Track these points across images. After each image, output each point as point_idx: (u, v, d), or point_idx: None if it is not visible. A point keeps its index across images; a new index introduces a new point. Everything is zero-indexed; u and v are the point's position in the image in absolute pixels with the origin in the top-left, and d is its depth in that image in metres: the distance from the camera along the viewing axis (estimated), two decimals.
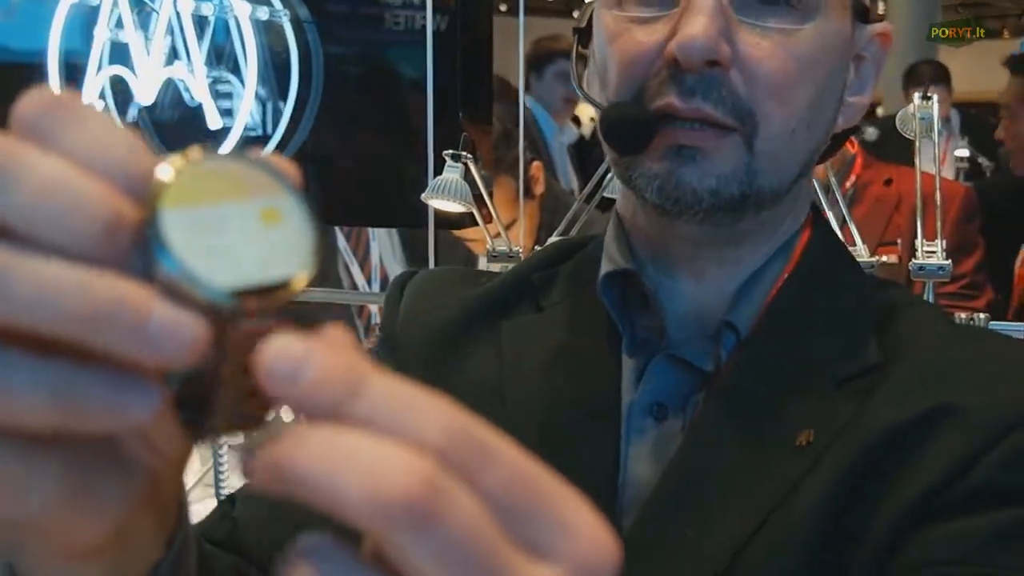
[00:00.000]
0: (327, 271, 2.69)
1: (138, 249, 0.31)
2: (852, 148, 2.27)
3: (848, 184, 2.08)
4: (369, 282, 2.63)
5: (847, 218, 1.63)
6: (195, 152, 0.32)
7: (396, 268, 2.69)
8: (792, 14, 0.70)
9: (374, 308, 2.61)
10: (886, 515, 0.68)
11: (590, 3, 0.78)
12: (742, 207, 0.72)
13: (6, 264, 0.30)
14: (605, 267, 0.78)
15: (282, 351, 0.30)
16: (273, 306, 0.32)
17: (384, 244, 2.67)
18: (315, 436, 0.30)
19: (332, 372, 0.30)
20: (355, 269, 2.64)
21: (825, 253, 0.80)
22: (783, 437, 0.71)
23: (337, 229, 2.62)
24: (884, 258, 1.68)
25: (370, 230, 2.58)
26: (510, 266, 1.95)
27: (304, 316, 0.33)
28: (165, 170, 0.32)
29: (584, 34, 0.79)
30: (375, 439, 0.30)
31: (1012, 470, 0.68)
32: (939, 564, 0.66)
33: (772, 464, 0.71)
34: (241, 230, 0.32)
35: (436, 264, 2.15)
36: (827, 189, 1.65)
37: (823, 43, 0.71)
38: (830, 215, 1.65)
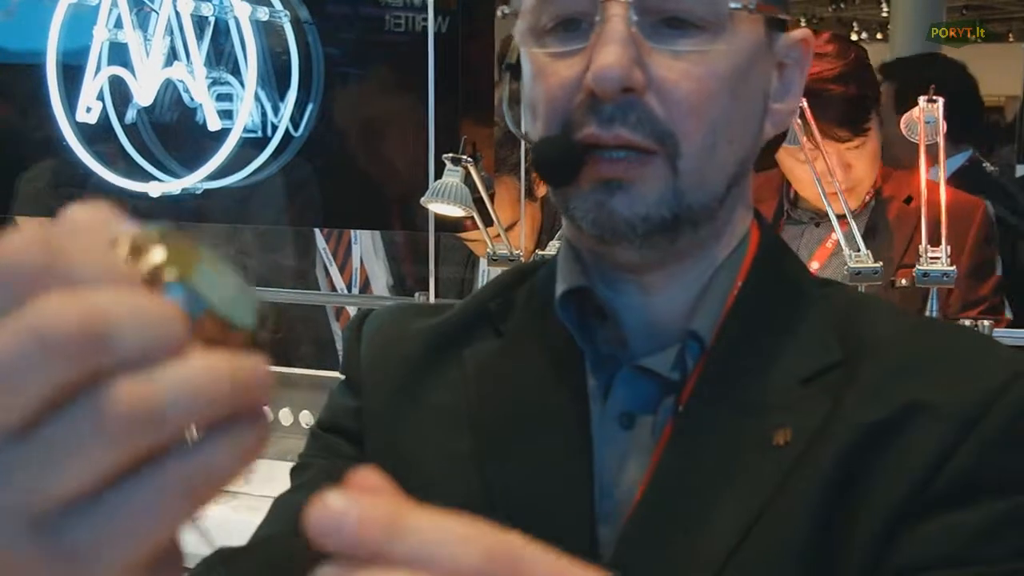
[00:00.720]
0: (305, 273, 2.68)
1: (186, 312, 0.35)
2: None
3: (867, 197, 2.02)
4: (349, 286, 2.62)
5: (859, 243, 1.63)
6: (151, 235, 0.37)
7: (378, 270, 2.68)
8: (701, 35, 0.73)
9: (353, 310, 2.61)
10: (873, 514, 0.69)
11: (516, 42, 0.80)
12: (675, 228, 0.75)
13: (158, 391, 0.33)
14: (560, 287, 0.80)
15: (325, 508, 0.33)
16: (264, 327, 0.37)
17: (366, 246, 2.66)
18: None
19: (372, 519, 0.33)
20: (334, 271, 2.63)
21: (774, 257, 0.83)
22: (760, 437, 0.73)
23: (317, 231, 2.61)
24: (903, 281, 1.67)
25: (352, 232, 2.57)
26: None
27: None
28: (160, 251, 0.36)
29: (515, 70, 0.81)
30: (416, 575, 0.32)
31: (990, 459, 0.70)
32: (941, 566, 0.68)
33: (753, 465, 0.73)
34: (209, 281, 0.36)
35: (436, 266, 2.14)
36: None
37: (736, 59, 0.74)
38: (852, 228, 1.65)
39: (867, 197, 2.01)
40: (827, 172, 1.85)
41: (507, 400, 0.81)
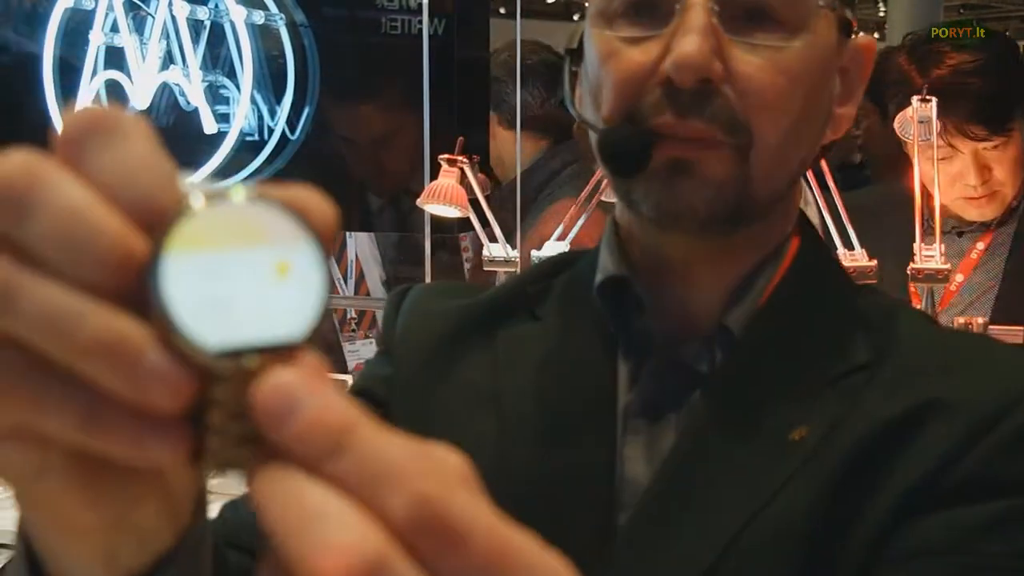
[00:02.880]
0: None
1: (144, 287, 0.31)
2: None
3: (1013, 203, 1.86)
4: (345, 277, 2.64)
5: (853, 241, 1.59)
6: (224, 190, 0.32)
7: (371, 264, 2.69)
8: (779, 31, 0.73)
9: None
10: (878, 507, 0.70)
11: (581, 24, 0.80)
12: (735, 218, 0.74)
13: (13, 282, 0.31)
14: (600, 275, 0.81)
15: (278, 389, 0.30)
16: (264, 367, 0.31)
17: (361, 240, 2.67)
18: (286, 485, 0.30)
19: (323, 423, 0.30)
20: (331, 262, 2.64)
21: (814, 260, 0.82)
22: (776, 433, 0.73)
23: None
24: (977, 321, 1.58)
25: None
26: (505, 271, 1.95)
27: None
28: (185, 208, 0.31)
29: (575, 54, 0.81)
30: (339, 505, 0.30)
31: (1001, 460, 0.70)
32: (931, 553, 0.68)
33: (764, 459, 0.73)
34: (247, 281, 0.31)
35: (431, 268, 2.14)
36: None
37: (811, 58, 0.74)
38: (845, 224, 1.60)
39: (1013, 203, 1.87)
40: (963, 174, 1.79)
41: (536, 383, 0.81)
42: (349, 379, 2.22)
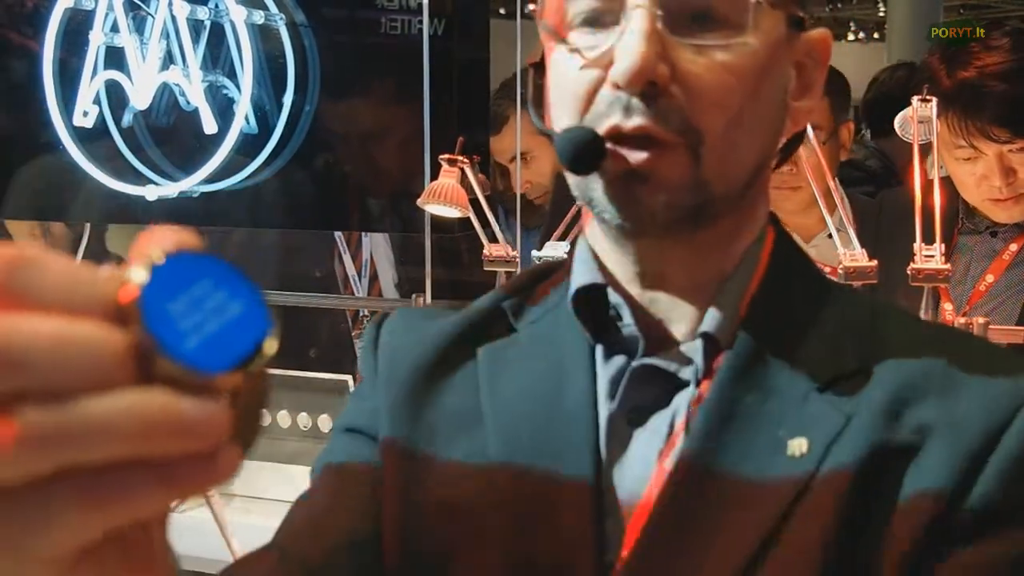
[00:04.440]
0: (322, 261, 2.69)
1: (141, 355, 0.36)
2: None
3: (1014, 247, 1.85)
4: (360, 275, 2.65)
5: (854, 242, 1.59)
6: (144, 258, 0.37)
7: (385, 264, 2.70)
8: (724, 30, 0.74)
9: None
10: (892, 539, 0.70)
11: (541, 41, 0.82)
12: (696, 217, 0.76)
13: (50, 425, 0.35)
14: (575, 284, 0.82)
15: None
16: (257, 368, 0.37)
17: (376, 240, 2.68)
18: None
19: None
20: (347, 259, 2.66)
21: (790, 262, 0.83)
22: (774, 446, 0.73)
23: None
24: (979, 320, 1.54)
25: None
26: (506, 271, 1.95)
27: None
28: (133, 279, 0.36)
29: (540, 68, 0.82)
30: None
31: (1006, 486, 0.70)
32: None
33: (767, 477, 0.73)
34: (207, 310, 0.36)
35: (432, 267, 2.14)
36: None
37: (757, 55, 0.75)
38: (848, 228, 1.60)
39: (1013, 247, 1.86)
40: (988, 176, 1.77)
41: (516, 394, 0.82)
42: (325, 376, 2.23)
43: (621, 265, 0.81)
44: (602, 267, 0.82)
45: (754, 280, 0.80)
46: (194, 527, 2.17)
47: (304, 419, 2.25)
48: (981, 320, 1.51)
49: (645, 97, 0.72)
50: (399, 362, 0.88)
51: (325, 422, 2.20)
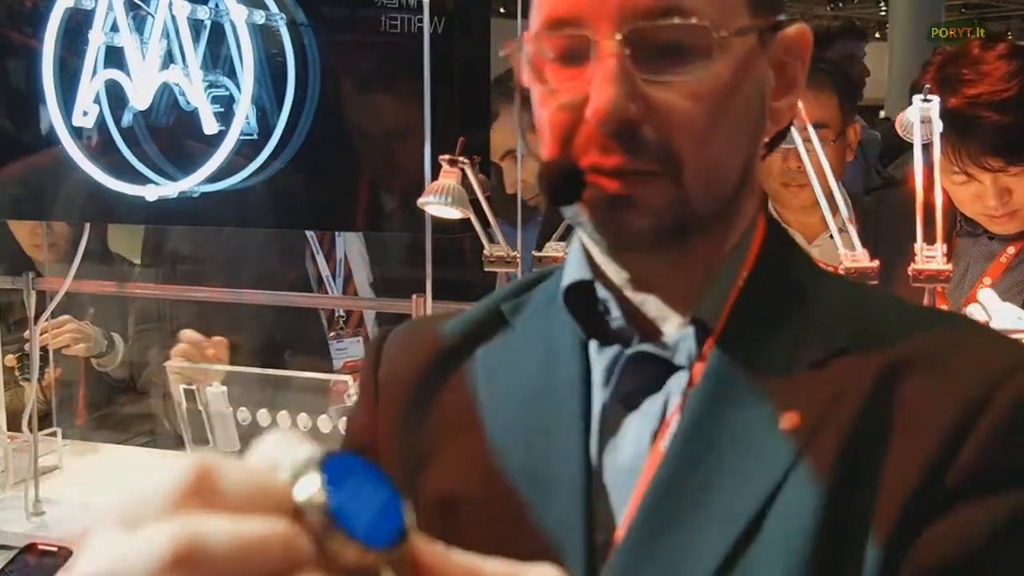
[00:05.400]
0: (294, 259, 2.68)
1: (317, 536, 0.40)
2: None
3: (1012, 250, 1.84)
4: (333, 275, 2.65)
5: (855, 242, 1.59)
6: (301, 457, 0.41)
7: (359, 262, 2.71)
8: (694, 59, 0.75)
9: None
10: (884, 508, 0.71)
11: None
12: (683, 233, 0.77)
13: None
14: (566, 280, 0.84)
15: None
16: (408, 542, 0.42)
17: (350, 239, 2.68)
18: None
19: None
20: (320, 259, 2.66)
21: (780, 248, 0.85)
22: (768, 421, 0.75)
23: None
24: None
25: None
26: (507, 272, 1.95)
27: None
28: (303, 486, 0.41)
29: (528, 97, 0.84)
30: None
31: (993, 453, 0.72)
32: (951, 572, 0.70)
33: (762, 451, 0.75)
34: (364, 497, 0.41)
35: (433, 266, 2.14)
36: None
37: (729, 74, 0.76)
38: (849, 230, 1.61)
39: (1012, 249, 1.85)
40: (982, 197, 1.78)
41: (512, 387, 0.85)
42: (337, 377, 2.23)
43: (612, 269, 0.83)
44: (594, 264, 0.84)
45: (744, 267, 0.82)
46: None
47: (304, 420, 2.25)
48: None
49: (620, 135, 0.74)
50: (402, 370, 0.91)
51: (325, 423, 2.20)
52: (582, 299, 0.83)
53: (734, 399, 0.77)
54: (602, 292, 0.83)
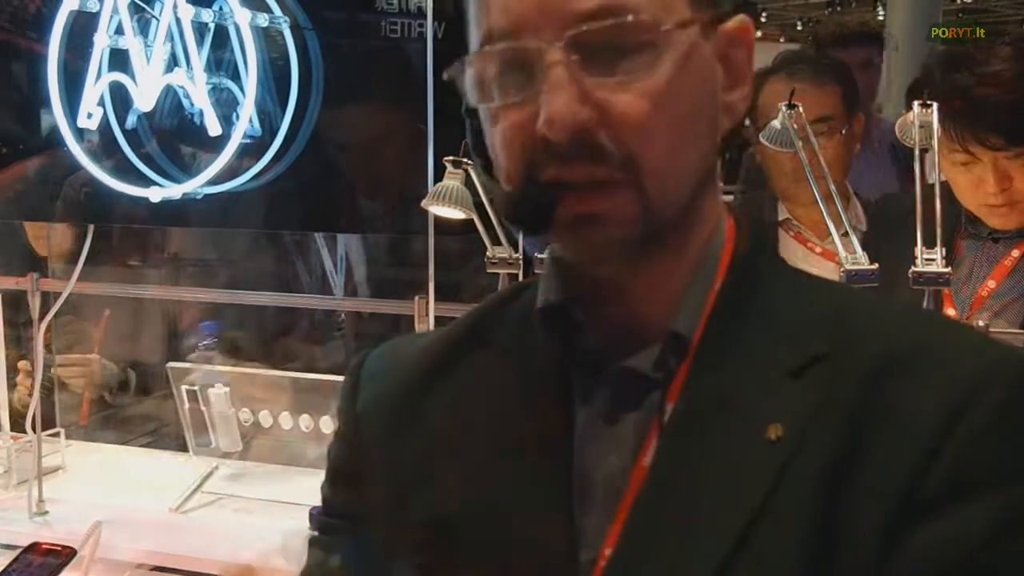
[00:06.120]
0: (305, 252, 2.71)
1: None
2: None
3: (1016, 252, 1.84)
4: (336, 268, 2.69)
5: (855, 246, 1.59)
6: None
7: (358, 259, 2.73)
8: (639, 57, 0.74)
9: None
10: (870, 513, 0.71)
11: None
12: (649, 240, 0.77)
13: None
14: (540, 301, 0.84)
15: None
16: None
17: (350, 237, 2.70)
18: None
19: None
20: (325, 253, 2.68)
21: (753, 254, 0.84)
22: (752, 432, 0.75)
23: None
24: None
25: None
26: (509, 273, 1.96)
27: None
28: None
29: (474, 115, 0.82)
30: None
31: (975, 454, 0.71)
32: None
33: (747, 462, 0.74)
34: None
35: (435, 265, 2.15)
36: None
37: (675, 71, 0.75)
38: (851, 235, 1.61)
39: None
40: (983, 180, 1.78)
41: (493, 408, 0.84)
42: (338, 378, 2.24)
43: (583, 282, 0.82)
44: (568, 279, 0.83)
45: (718, 276, 0.81)
46: (194, 527, 2.18)
47: (306, 420, 2.26)
48: (981, 323, 1.52)
49: (578, 144, 0.73)
50: (382, 392, 0.91)
51: (327, 423, 2.21)
52: (560, 317, 0.83)
53: (716, 412, 0.77)
54: (576, 314, 0.82)
